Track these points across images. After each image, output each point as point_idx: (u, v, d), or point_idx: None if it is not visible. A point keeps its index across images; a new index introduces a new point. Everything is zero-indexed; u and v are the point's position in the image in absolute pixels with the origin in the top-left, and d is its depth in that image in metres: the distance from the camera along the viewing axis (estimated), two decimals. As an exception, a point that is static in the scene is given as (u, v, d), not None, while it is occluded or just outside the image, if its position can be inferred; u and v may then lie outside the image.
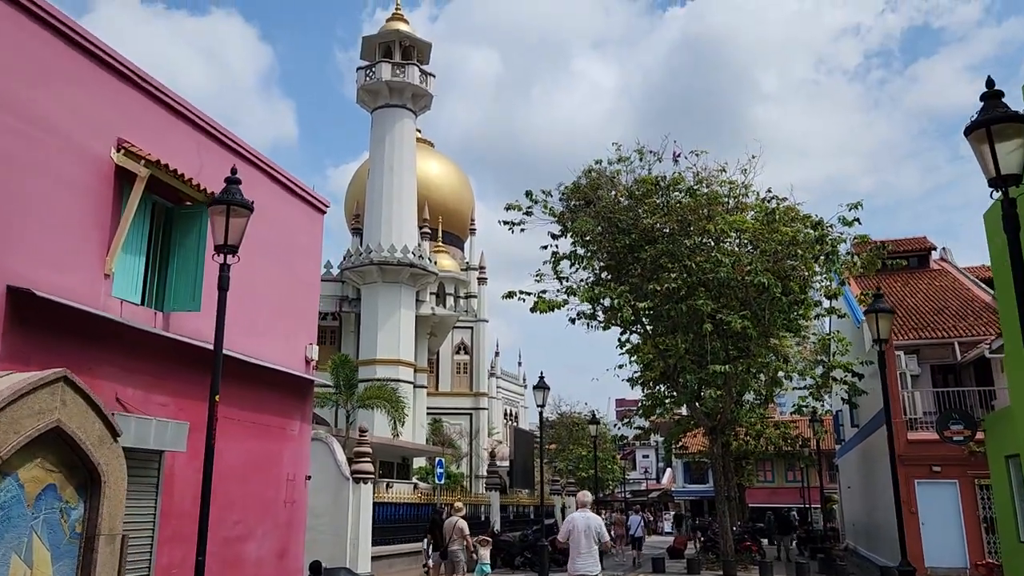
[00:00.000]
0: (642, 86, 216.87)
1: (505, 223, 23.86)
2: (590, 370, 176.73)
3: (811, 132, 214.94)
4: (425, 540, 14.86)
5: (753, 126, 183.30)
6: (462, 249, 54.54)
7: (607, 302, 21.43)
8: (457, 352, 48.20)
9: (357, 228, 42.73)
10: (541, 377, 17.71)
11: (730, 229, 20.09)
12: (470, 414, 46.48)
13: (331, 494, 15.54)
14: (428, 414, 41.33)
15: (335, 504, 15.46)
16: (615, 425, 29.81)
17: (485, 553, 15.07)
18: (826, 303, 24.16)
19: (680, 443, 31.35)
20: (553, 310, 21.55)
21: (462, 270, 50.98)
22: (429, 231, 43.36)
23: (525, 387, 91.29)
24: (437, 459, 19.40)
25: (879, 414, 23.38)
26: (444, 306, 45.46)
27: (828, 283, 21.45)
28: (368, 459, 16.01)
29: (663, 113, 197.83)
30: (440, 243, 50.27)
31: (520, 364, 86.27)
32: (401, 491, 21.39)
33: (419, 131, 50.05)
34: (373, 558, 15.95)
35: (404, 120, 41.41)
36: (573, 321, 23.68)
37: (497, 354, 62.16)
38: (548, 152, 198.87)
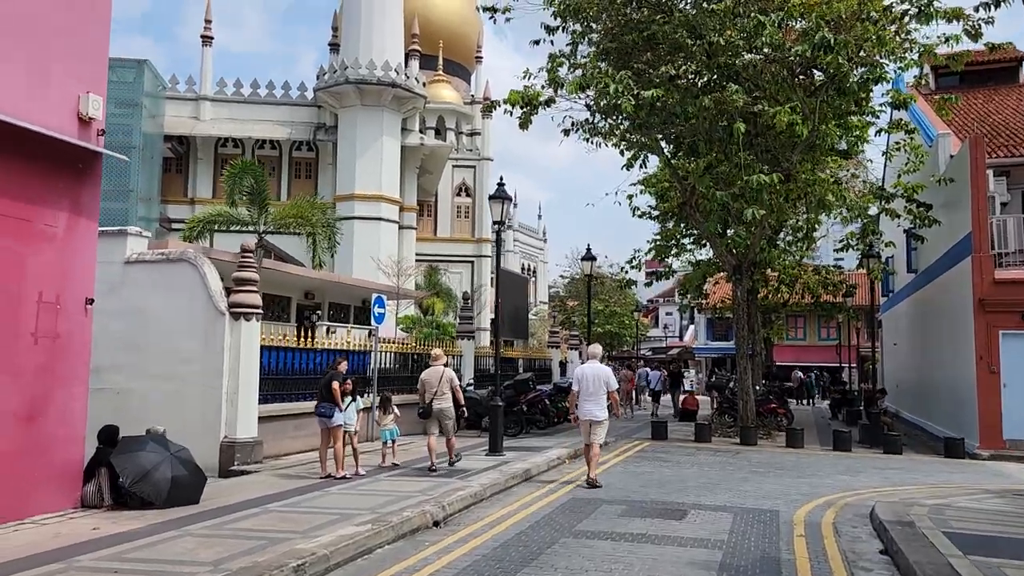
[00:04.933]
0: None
1: (485, 10, 18.52)
2: (622, 229, 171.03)
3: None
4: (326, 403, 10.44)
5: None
6: (468, 82, 48.49)
7: (605, 100, 16.24)
8: (458, 194, 43.31)
9: (335, 44, 36.87)
10: (500, 184, 12.91)
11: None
12: (471, 262, 42.24)
13: (200, 334, 11.32)
14: (420, 260, 36.95)
15: (206, 347, 11.26)
16: (622, 269, 25.35)
17: (390, 418, 11.02)
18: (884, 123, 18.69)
19: (701, 290, 26.81)
20: (534, 107, 16.50)
21: (466, 103, 45.26)
22: (419, 52, 37.27)
23: (545, 241, 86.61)
24: (376, 297, 15.00)
25: (951, 251, 18.41)
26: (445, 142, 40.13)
27: (902, 70, 15.88)
28: (254, 287, 11.65)
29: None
30: (441, 72, 44.30)
31: (540, 217, 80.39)
32: (355, 337, 17.16)
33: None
34: (265, 418, 11.92)
35: (387, -89, 34.43)
36: (567, 133, 18.86)
37: (515, 205, 56.89)
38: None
